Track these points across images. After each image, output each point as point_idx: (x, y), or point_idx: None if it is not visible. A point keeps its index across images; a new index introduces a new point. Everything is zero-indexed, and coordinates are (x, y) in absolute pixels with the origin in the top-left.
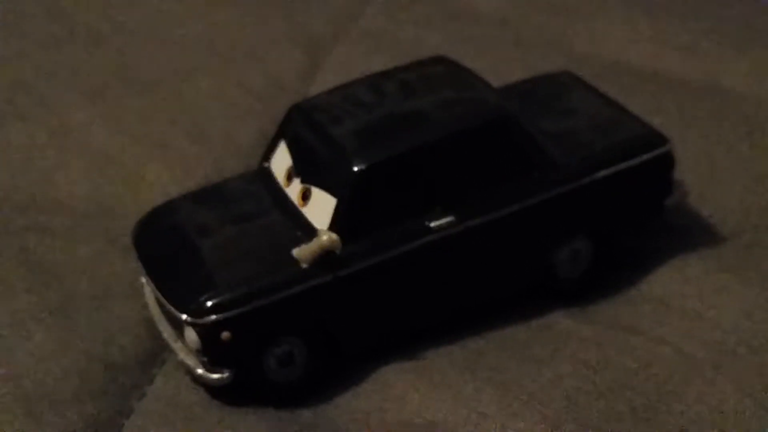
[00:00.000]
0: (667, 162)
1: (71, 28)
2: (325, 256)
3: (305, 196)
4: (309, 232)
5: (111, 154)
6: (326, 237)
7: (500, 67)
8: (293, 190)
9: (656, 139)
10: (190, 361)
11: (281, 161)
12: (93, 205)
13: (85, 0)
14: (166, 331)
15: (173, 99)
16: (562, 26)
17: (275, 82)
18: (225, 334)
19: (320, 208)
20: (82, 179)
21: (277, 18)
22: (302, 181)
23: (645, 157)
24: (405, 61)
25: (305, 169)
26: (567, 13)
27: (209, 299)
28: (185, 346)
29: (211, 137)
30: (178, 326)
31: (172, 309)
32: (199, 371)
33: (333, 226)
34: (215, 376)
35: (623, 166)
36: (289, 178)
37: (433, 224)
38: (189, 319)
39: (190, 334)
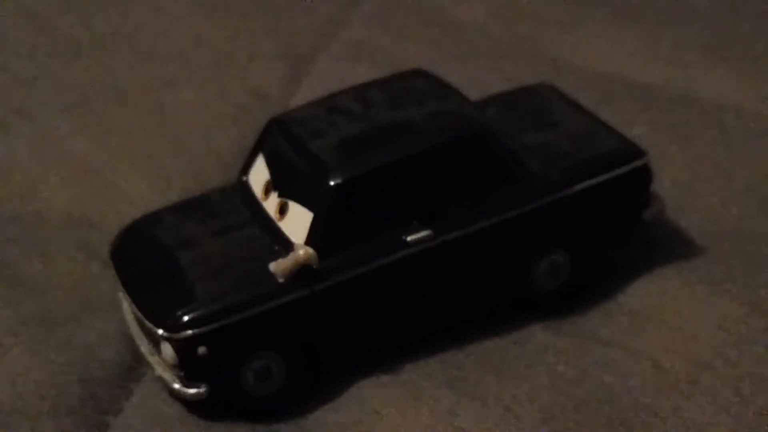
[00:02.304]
0: (644, 175)
1: (52, 39)
2: (302, 271)
3: (282, 210)
4: (286, 246)
5: (92, 166)
6: (302, 251)
7: (482, 78)
8: (271, 204)
9: (634, 152)
10: (167, 375)
11: (259, 175)
12: (73, 218)
13: (66, 11)
14: (144, 346)
15: (155, 110)
16: (544, 37)
17: (257, 93)
18: (201, 349)
19: (297, 223)
20: (63, 191)
21: (260, 29)
22: (279, 195)
23: (623, 170)
24: (387, 72)
25: (282, 183)
26: (549, 23)
27: (185, 314)
28: (162, 361)
29: (192, 149)
30: (154, 341)
31: (148, 323)
32: (176, 386)
33: (310, 241)
34: (192, 390)
35: (601, 179)
36: (267, 191)
37: (410, 238)
38: (165, 333)
39: (167, 349)
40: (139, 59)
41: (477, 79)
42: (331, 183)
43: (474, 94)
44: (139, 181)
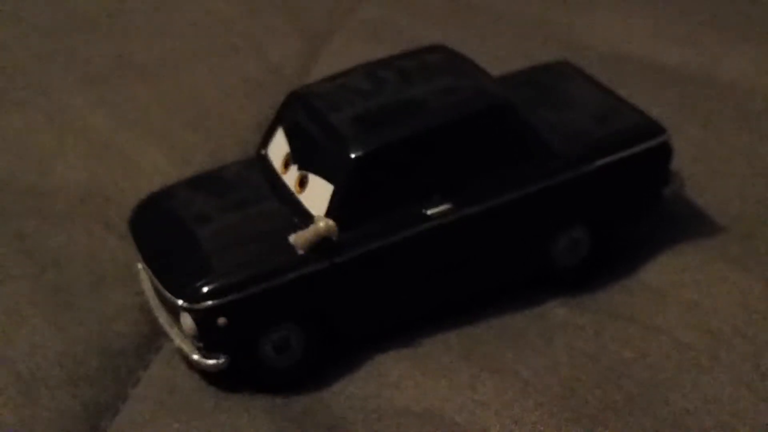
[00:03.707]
0: (664, 151)
1: (70, 15)
2: (322, 243)
3: (302, 183)
4: (306, 218)
5: (109, 140)
6: (323, 223)
7: (498, 57)
8: (290, 176)
9: (654, 128)
10: (186, 346)
11: (279, 148)
12: (90, 191)
13: None
14: (162, 317)
15: (172, 86)
16: (562, 17)
17: (274, 70)
18: (221, 320)
19: (317, 195)
20: (80, 165)
21: (276, 6)
22: (299, 168)
23: (643, 146)
24: (402, 50)
25: (302, 156)
26: (567, 4)
27: (206, 285)
28: (181, 332)
29: (209, 124)
30: (174, 312)
31: (169, 294)
32: (195, 357)
33: (330, 213)
34: (211, 361)
35: (621, 155)
36: (287, 165)
37: (429, 212)
38: (185, 304)
39: (186, 320)
40: (157, 36)
41: (494, 58)
42: (352, 155)
43: (492, 72)
44: (156, 155)
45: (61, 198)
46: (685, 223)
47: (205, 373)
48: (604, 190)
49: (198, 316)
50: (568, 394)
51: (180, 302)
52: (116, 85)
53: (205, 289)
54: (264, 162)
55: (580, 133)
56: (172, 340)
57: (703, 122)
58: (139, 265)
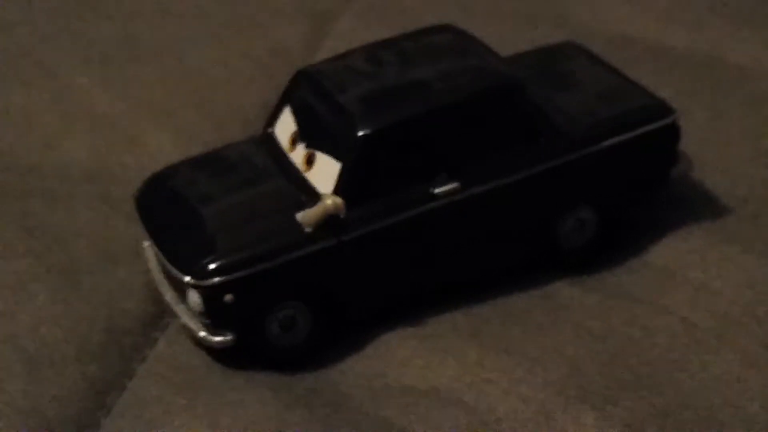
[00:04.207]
0: (673, 132)
1: None
2: (329, 221)
3: (309, 161)
4: (313, 196)
5: (113, 119)
6: (330, 201)
7: (505, 39)
8: (297, 155)
9: (662, 109)
10: (193, 324)
11: (286, 126)
12: (95, 170)
13: None
14: (169, 295)
15: (176, 66)
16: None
17: (279, 51)
18: (228, 297)
19: (325, 173)
20: (84, 144)
21: None
22: (307, 146)
23: (651, 127)
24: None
25: (310, 134)
26: None
27: (212, 261)
28: (188, 309)
29: (214, 105)
30: (180, 289)
31: (175, 271)
32: (202, 334)
33: (337, 191)
34: (217, 339)
35: (629, 135)
36: (294, 143)
37: (437, 190)
38: (192, 281)
39: (193, 297)
40: (161, 16)
41: (500, 41)
42: (360, 133)
43: (499, 53)
44: (160, 135)
45: (66, 177)
46: (691, 205)
47: (212, 351)
48: (612, 171)
49: (205, 293)
50: (576, 373)
51: (187, 279)
52: (121, 66)
53: (212, 266)
54: (270, 140)
55: (588, 114)
56: (178, 318)
57: (711, 105)
58: (145, 243)
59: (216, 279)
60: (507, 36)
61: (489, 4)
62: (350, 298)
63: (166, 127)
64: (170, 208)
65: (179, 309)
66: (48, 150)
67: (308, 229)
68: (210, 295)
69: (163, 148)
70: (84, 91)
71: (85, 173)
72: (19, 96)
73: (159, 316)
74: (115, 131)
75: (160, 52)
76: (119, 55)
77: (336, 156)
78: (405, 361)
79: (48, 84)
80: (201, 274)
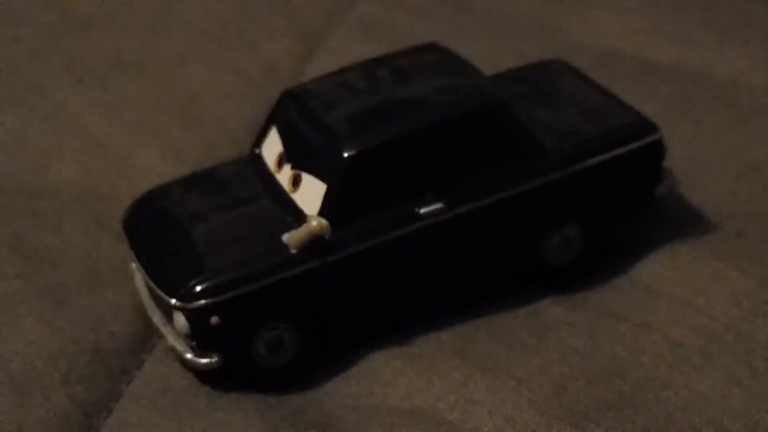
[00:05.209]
0: (657, 150)
1: (64, 14)
2: (315, 242)
3: (295, 182)
4: (299, 217)
5: (103, 139)
6: (316, 222)
7: (493, 55)
8: (284, 176)
9: (647, 126)
10: (179, 345)
11: (272, 147)
12: (85, 190)
13: None
14: (156, 316)
15: (166, 85)
16: (556, 15)
17: (269, 68)
18: (214, 319)
19: (310, 194)
20: (74, 164)
21: (271, 5)
22: (293, 167)
23: (635, 144)
24: (398, 48)
25: (295, 155)
26: (561, 2)
27: (198, 284)
28: (174, 331)
29: (203, 123)
30: (167, 311)
31: (162, 293)
32: (188, 356)
33: (323, 212)
34: (204, 360)
35: (614, 153)
36: (280, 164)
37: (422, 210)
38: (178, 303)
39: (179, 319)
40: (151, 34)
41: (489, 56)
42: (345, 154)
43: (486, 70)
44: (151, 154)
45: (56, 197)
46: (677, 221)
47: (199, 372)
48: (597, 189)
49: (191, 315)
50: (561, 392)
51: (173, 301)
52: (111, 85)
53: (198, 288)
54: (258, 161)
55: (573, 132)
56: (165, 339)
57: (697, 120)
58: (133, 265)
59: (202, 301)
60: (496, 52)
61: (478, 21)
62: (336, 318)
63: (156, 146)
64: (156, 229)
65: (166, 331)
66: (38, 170)
67: (294, 251)
68: (196, 318)
69: (153, 168)
70: (73, 111)
71: (75, 193)
72: (7, 116)
73: (147, 337)
74: (104, 151)
75: (149, 70)
76: (109, 74)
77: (321, 177)
78: (391, 381)
79: (37, 103)
80: (187, 296)
